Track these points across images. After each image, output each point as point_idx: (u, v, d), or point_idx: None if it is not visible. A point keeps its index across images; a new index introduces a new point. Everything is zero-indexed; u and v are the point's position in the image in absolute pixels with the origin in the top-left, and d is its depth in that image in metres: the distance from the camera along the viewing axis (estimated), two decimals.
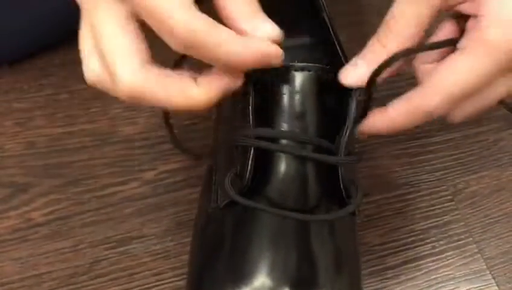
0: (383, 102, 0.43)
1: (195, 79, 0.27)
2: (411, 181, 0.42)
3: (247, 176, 0.31)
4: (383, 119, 0.30)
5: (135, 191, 0.40)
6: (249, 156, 0.31)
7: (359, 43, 0.48)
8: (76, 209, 0.39)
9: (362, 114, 0.31)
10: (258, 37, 0.26)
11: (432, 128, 0.45)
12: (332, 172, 0.32)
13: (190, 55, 0.26)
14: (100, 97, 0.45)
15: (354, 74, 0.30)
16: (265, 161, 0.32)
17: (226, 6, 0.26)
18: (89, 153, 0.42)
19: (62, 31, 0.46)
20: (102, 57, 0.26)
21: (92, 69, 0.28)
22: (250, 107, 0.31)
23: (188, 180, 0.41)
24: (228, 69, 0.27)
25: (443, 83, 0.28)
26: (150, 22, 0.25)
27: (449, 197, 0.41)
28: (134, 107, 0.44)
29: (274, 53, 0.27)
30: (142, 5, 0.25)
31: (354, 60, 0.31)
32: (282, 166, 0.32)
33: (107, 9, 0.26)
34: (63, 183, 0.40)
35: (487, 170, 0.43)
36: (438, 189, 0.42)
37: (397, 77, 0.46)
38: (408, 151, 0.43)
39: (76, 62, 0.46)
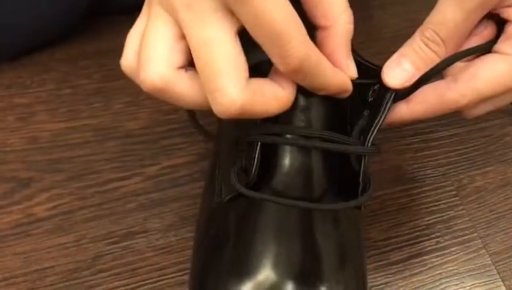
0: None
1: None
2: (415, 176, 0.42)
3: (253, 170, 0.31)
4: (408, 110, 0.31)
5: (138, 186, 0.40)
6: (255, 151, 0.31)
7: (364, 38, 0.49)
8: (78, 204, 0.39)
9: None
10: (344, 73, 0.29)
11: (437, 123, 0.44)
12: (338, 165, 0.32)
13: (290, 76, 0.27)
14: (102, 92, 0.45)
15: (400, 76, 0.30)
16: (270, 155, 0.32)
17: (333, 42, 0.28)
18: (92, 148, 0.42)
19: (63, 26, 0.46)
20: (204, 71, 0.25)
21: (160, 71, 0.26)
22: None
23: (191, 175, 0.41)
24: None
25: (479, 83, 0.29)
26: (262, 40, 0.24)
27: (453, 192, 0.41)
28: (137, 102, 0.44)
29: (349, 89, 0.29)
30: (262, 26, 0.24)
31: (396, 59, 0.31)
32: (288, 159, 0.32)
33: (216, 23, 0.25)
34: (66, 178, 0.40)
35: (492, 165, 0.43)
36: (443, 184, 0.41)
37: None
38: (412, 146, 0.43)
39: (78, 57, 0.47)
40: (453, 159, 0.43)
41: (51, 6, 0.44)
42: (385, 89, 0.31)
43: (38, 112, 0.43)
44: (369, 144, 0.31)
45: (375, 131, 0.31)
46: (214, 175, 0.37)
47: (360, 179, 0.31)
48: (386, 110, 0.31)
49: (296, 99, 0.32)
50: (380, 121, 0.31)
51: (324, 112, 0.32)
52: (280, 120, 0.32)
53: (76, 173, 0.41)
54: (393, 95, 0.30)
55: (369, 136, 0.31)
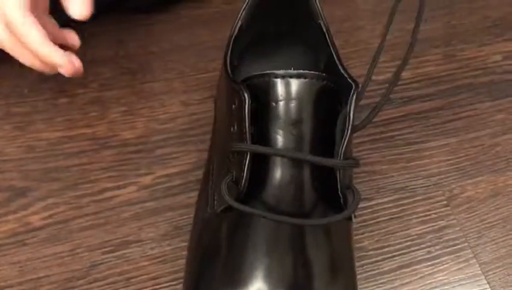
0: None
1: None
2: (407, 186, 0.42)
3: (243, 182, 0.31)
4: None
5: (133, 195, 0.41)
6: (245, 162, 0.31)
7: (355, 49, 0.49)
8: (74, 213, 0.40)
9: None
10: None
11: (428, 133, 0.45)
12: (328, 177, 0.32)
13: None
14: (99, 102, 0.45)
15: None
16: (261, 167, 0.33)
17: None
18: (88, 157, 0.42)
19: None
20: None
21: None
22: (245, 114, 0.32)
23: (186, 184, 0.41)
24: None
25: None
26: None
27: (445, 202, 0.42)
28: (133, 111, 0.45)
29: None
30: None
31: None
32: (279, 172, 0.32)
33: None
34: (62, 188, 0.41)
35: (483, 175, 0.43)
36: (434, 194, 0.42)
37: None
38: (404, 156, 0.44)
39: None
40: (445, 169, 0.43)
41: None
42: (349, 102, 0.31)
43: (35, 121, 0.44)
44: (341, 157, 0.31)
45: (345, 144, 0.31)
46: (207, 185, 0.37)
47: (339, 192, 0.32)
48: (350, 121, 0.31)
49: (287, 111, 0.33)
50: (346, 136, 0.31)
51: (315, 125, 0.33)
52: (269, 132, 0.33)
53: (72, 182, 0.41)
54: (352, 110, 0.31)
55: (340, 150, 0.31)
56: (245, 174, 0.32)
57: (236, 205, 0.31)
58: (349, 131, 0.31)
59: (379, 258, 0.39)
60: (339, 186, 0.32)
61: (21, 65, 0.46)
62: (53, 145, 0.43)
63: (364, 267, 0.38)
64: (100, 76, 0.47)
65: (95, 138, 0.43)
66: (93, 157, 0.42)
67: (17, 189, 0.41)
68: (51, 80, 0.46)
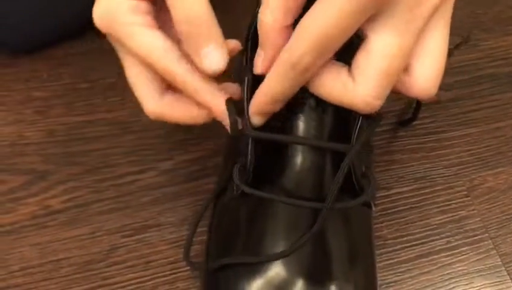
0: None
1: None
2: (427, 175, 0.42)
3: (249, 166, 0.32)
4: (261, 91, 0.30)
5: (153, 180, 0.41)
6: (249, 149, 0.32)
7: None
8: (94, 197, 0.40)
9: None
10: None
11: (450, 122, 0.44)
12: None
13: None
14: (119, 86, 0.45)
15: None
16: (280, 152, 0.33)
17: None
18: (108, 142, 0.42)
19: (81, 21, 0.47)
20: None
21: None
22: (247, 94, 0.31)
23: (205, 170, 0.41)
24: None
25: (305, 30, 0.26)
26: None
27: (465, 192, 0.41)
28: None
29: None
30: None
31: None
32: (299, 157, 0.32)
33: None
34: (82, 172, 0.41)
35: (504, 165, 0.43)
36: (454, 184, 0.42)
37: None
38: (425, 145, 0.43)
39: (95, 52, 0.47)
40: (465, 159, 0.43)
41: (70, 3, 0.45)
42: None
43: (56, 106, 0.44)
44: (353, 142, 0.31)
45: (357, 129, 0.31)
46: (226, 170, 0.37)
47: (354, 179, 0.32)
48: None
49: (304, 100, 0.32)
50: (358, 121, 0.31)
51: (334, 112, 0.32)
52: (287, 117, 0.32)
53: (92, 166, 0.41)
54: None
55: (353, 135, 0.31)
56: (249, 158, 0.32)
57: (247, 189, 0.31)
58: (360, 117, 0.31)
59: (398, 247, 0.39)
60: (352, 172, 0.32)
61: (40, 49, 0.47)
62: (73, 130, 0.43)
63: (382, 256, 0.38)
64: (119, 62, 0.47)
65: (116, 123, 0.43)
66: (113, 142, 0.42)
67: (38, 172, 0.41)
68: (71, 65, 0.47)
